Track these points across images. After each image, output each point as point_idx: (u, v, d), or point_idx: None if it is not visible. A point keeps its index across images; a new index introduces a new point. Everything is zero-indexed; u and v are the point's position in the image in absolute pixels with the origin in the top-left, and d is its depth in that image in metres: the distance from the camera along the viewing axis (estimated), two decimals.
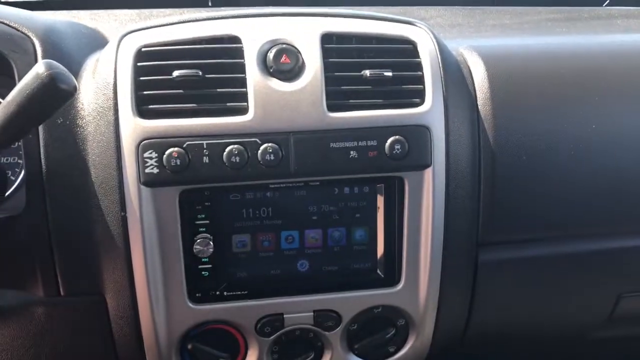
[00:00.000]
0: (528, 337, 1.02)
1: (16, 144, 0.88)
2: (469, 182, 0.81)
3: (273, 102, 0.74)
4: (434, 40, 0.81)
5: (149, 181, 0.73)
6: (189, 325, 0.80)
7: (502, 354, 1.26)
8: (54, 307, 0.77)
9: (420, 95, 0.78)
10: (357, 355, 0.88)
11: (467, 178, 0.81)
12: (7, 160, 0.88)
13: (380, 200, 0.81)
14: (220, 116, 0.74)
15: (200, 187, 0.75)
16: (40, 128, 0.74)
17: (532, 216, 0.84)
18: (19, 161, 0.87)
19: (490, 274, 0.87)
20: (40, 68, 0.59)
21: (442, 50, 0.81)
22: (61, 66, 0.60)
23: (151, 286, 0.77)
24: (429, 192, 0.79)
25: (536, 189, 0.83)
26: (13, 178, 0.87)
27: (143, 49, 0.75)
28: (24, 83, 0.60)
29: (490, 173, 0.82)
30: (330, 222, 0.81)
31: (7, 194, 0.85)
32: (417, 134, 0.77)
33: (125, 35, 0.77)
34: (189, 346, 0.82)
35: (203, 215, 0.78)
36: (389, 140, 0.76)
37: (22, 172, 0.84)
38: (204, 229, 0.78)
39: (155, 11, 1.10)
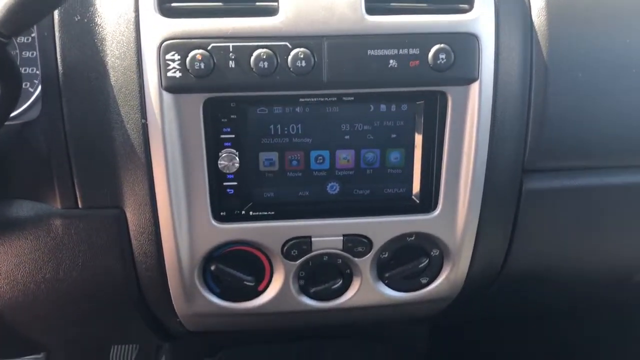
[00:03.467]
0: (568, 278, 0.96)
1: (34, 53, 0.83)
2: (518, 101, 0.75)
3: (306, 2, 0.68)
4: None
5: (171, 86, 0.68)
6: (213, 245, 0.77)
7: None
8: (72, 219, 0.74)
9: (469, 1, 0.71)
10: (387, 285, 0.84)
11: (516, 96, 0.74)
12: (25, 70, 0.84)
13: (420, 120, 0.75)
14: (248, 16, 0.68)
15: (225, 96, 0.70)
16: (57, 25, 0.69)
17: (585, 141, 0.77)
18: (37, 72, 0.82)
19: (534, 203, 0.80)
20: None
21: None
22: None
23: (173, 201, 0.72)
24: (473, 110, 0.73)
25: (591, 111, 0.76)
26: (31, 90, 0.83)
27: None
28: None
29: (541, 91, 0.75)
30: (363, 142, 0.76)
31: (26, 105, 0.81)
32: (464, 42, 0.70)
33: None
34: (212, 267, 0.79)
35: (229, 129, 0.73)
36: (433, 49, 0.69)
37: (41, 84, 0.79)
38: (229, 144, 0.73)
39: None
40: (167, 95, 0.68)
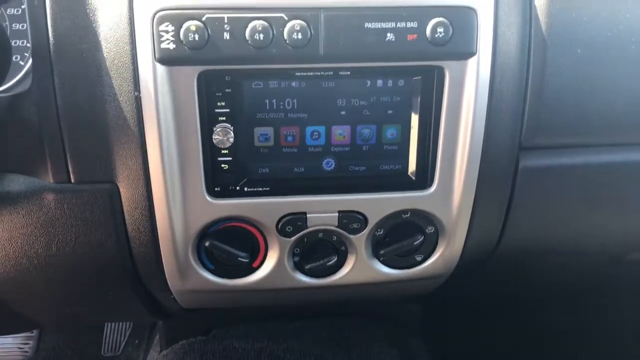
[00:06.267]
0: (562, 256, 0.96)
1: (24, 25, 0.82)
2: (516, 76, 0.74)
3: None
4: None
5: (164, 58, 0.66)
6: (207, 221, 0.76)
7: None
8: (64, 194, 0.73)
9: None
10: (382, 262, 0.84)
11: (514, 71, 0.73)
12: (15, 43, 0.82)
13: (416, 95, 0.74)
14: None
15: (220, 69, 0.69)
16: None
17: (583, 118, 0.77)
18: (28, 45, 0.81)
19: (530, 181, 0.80)
20: None
21: None
22: None
23: (167, 176, 0.72)
24: (471, 86, 0.72)
25: (590, 87, 0.75)
26: (22, 63, 0.82)
27: None
28: None
29: (540, 67, 0.74)
30: (360, 118, 0.75)
31: (16, 78, 0.79)
32: (462, 16, 0.69)
33: None
34: (207, 243, 0.78)
35: (223, 103, 0.71)
36: (431, 23, 0.68)
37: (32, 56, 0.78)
38: (224, 118, 0.72)
39: None
40: (160, 67, 0.67)
